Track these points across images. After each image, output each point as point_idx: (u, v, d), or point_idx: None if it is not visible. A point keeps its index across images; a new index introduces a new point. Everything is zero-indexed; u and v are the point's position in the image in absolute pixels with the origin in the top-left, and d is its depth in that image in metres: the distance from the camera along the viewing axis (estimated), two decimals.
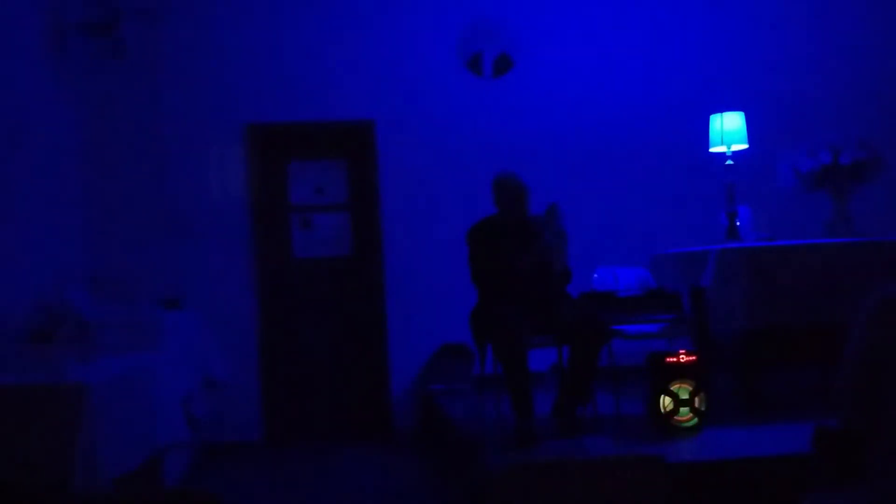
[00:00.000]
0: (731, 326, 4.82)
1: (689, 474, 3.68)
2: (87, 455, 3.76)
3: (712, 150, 5.60)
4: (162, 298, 5.82)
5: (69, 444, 3.73)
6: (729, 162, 5.43)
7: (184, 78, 6.57)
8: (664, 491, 2.35)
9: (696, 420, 4.41)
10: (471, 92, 6.81)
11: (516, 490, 2.35)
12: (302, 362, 6.73)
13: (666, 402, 4.41)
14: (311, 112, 6.70)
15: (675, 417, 4.41)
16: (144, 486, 4.28)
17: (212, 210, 6.56)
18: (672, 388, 4.40)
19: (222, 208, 6.58)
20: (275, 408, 6.63)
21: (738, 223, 5.32)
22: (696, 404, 4.41)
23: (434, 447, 5.97)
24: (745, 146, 5.52)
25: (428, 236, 6.63)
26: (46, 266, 5.20)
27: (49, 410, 3.82)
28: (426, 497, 5.01)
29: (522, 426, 4.39)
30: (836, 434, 2.11)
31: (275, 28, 6.68)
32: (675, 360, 4.43)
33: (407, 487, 5.22)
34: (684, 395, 4.40)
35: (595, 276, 5.53)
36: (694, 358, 4.45)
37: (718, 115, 5.52)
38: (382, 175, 6.74)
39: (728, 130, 5.45)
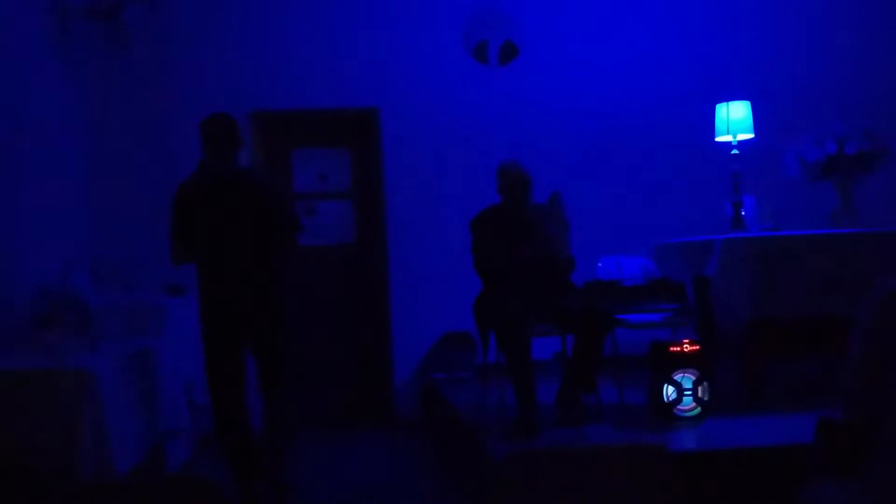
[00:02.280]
0: (735, 316, 4.81)
1: (692, 464, 3.68)
2: (93, 441, 3.77)
3: (718, 139, 5.58)
4: (165, 285, 5.82)
5: (72, 430, 3.74)
6: (734, 151, 5.42)
7: (188, 65, 6.55)
8: (666, 480, 2.34)
9: (699, 409, 4.41)
10: (476, 80, 6.79)
11: (518, 478, 2.35)
12: (304, 350, 6.72)
13: (669, 391, 4.41)
14: (315, 100, 6.68)
15: (679, 407, 4.40)
16: (146, 472, 4.29)
17: None
18: (675, 378, 4.40)
19: None
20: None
21: (743, 213, 5.30)
22: (700, 394, 4.41)
23: (436, 435, 5.98)
24: (751, 136, 5.50)
25: (432, 224, 6.61)
26: (50, 252, 5.21)
27: (52, 396, 3.83)
28: (428, 485, 5.02)
29: (525, 415, 4.39)
30: (840, 426, 2.11)
31: (279, 15, 6.66)
32: (678, 349, 4.43)
33: (409, 475, 5.23)
34: (688, 385, 4.40)
35: (599, 265, 5.52)
36: (697, 347, 4.44)
37: (724, 104, 5.49)
38: (386, 163, 6.73)
39: (734, 120, 5.43)
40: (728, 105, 5.48)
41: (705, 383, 4.42)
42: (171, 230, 4.24)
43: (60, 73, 5.72)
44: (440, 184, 6.68)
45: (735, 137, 5.43)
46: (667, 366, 4.41)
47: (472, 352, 6.30)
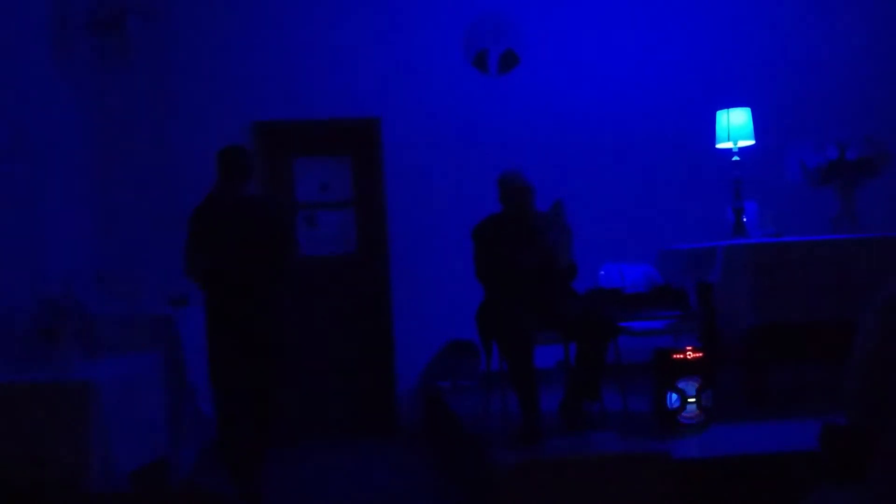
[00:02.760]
0: (738, 323, 4.81)
1: (696, 471, 3.68)
2: (99, 452, 3.78)
3: (719, 145, 5.59)
4: (169, 296, 5.82)
5: (77, 442, 3.74)
6: (735, 158, 5.42)
7: (190, 76, 6.57)
8: (670, 487, 2.34)
9: (702, 417, 4.40)
10: (477, 89, 6.81)
11: (522, 487, 2.35)
12: (307, 359, 6.73)
13: (673, 398, 4.40)
14: (316, 109, 6.69)
15: (682, 414, 4.40)
16: (152, 483, 4.29)
17: None
18: (679, 385, 4.39)
19: None
20: (280, 404, 6.62)
21: (744, 219, 5.31)
22: (703, 401, 4.40)
23: (440, 444, 5.97)
24: (752, 142, 5.51)
25: (434, 233, 6.62)
26: (53, 263, 5.21)
27: (56, 408, 3.83)
28: (432, 494, 5.01)
29: (528, 423, 4.38)
30: (844, 432, 2.10)
31: (281, 26, 6.68)
32: (681, 356, 4.42)
33: (412, 484, 5.22)
34: (691, 392, 4.39)
35: (601, 272, 5.51)
36: (700, 354, 4.44)
37: (725, 111, 5.50)
38: (388, 172, 6.74)
39: (734, 126, 5.44)
40: (728, 112, 5.48)
41: (709, 390, 4.42)
42: (188, 246, 4.60)
43: (62, 85, 5.73)
44: (441, 192, 6.69)
45: (736, 144, 5.43)
46: (670, 373, 4.41)
47: (475, 360, 6.30)
